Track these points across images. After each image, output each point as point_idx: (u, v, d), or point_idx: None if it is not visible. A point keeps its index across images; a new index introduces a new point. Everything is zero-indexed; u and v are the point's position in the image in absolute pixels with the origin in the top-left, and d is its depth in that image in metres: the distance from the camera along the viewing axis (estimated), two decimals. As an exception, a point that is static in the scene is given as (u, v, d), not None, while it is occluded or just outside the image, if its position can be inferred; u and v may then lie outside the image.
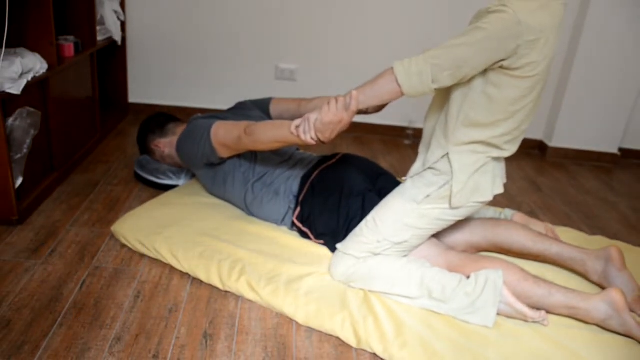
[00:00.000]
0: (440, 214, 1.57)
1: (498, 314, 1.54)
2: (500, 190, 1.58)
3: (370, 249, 1.61)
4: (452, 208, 1.56)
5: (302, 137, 1.51)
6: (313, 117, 1.48)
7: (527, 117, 1.50)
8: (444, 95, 1.57)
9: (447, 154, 1.52)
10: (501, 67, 1.39)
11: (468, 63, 1.37)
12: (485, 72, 1.43)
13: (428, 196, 1.55)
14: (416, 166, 1.64)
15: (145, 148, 2.24)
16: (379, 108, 1.75)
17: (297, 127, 1.52)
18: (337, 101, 1.45)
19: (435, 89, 1.42)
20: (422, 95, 1.44)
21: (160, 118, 2.20)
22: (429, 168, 1.57)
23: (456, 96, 1.49)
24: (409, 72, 1.40)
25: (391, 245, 1.60)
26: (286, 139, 1.59)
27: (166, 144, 2.15)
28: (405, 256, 1.65)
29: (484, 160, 1.52)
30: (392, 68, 1.43)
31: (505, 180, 1.62)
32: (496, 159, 1.56)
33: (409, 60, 1.41)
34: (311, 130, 1.49)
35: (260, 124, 1.67)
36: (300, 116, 2.04)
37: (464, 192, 1.52)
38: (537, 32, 1.35)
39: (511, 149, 1.55)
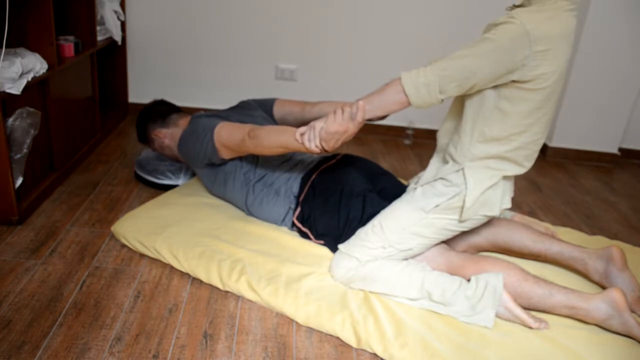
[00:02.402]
0: (447, 224, 1.58)
1: (497, 317, 1.54)
2: (507, 205, 1.59)
3: (375, 254, 1.61)
4: (459, 221, 1.57)
5: (307, 144, 1.51)
6: (318, 125, 1.48)
7: (543, 130, 1.51)
8: (458, 109, 1.57)
9: (462, 168, 1.53)
10: (513, 81, 1.39)
11: (476, 74, 1.37)
12: (496, 87, 1.43)
13: (437, 206, 1.56)
14: (427, 175, 1.64)
15: (144, 136, 2.18)
16: (382, 116, 1.74)
17: (302, 134, 1.52)
18: (343, 111, 1.45)
19: (443, 100, 1.42)
20: (429, 106, 1.44)
21: (163, 107, 2.15)
22: (441, 178, 1.58)
23: (469, 113, 1.50)
24: (417, 82, 1.40)
25: (397, 252, 1.61)
26: (290, 145, 1.58)
27: (167, 135, 2.11)
28: (405, 259, 1.65)
29: (498, 178, 1.53)
30: (399, 78, 1.43)
31: (512, 195, 1.63)
32: (508, 177, 1.56)
33: (416, 71, 1.41)
34: (316, 138, 1.49)
35: (265, 128, 1.66)
36: (303, 120, 2.04)
37: (474, 206, 1.53)
38: (546, 42, 1.35)
39: (528, 165, 1.56)
